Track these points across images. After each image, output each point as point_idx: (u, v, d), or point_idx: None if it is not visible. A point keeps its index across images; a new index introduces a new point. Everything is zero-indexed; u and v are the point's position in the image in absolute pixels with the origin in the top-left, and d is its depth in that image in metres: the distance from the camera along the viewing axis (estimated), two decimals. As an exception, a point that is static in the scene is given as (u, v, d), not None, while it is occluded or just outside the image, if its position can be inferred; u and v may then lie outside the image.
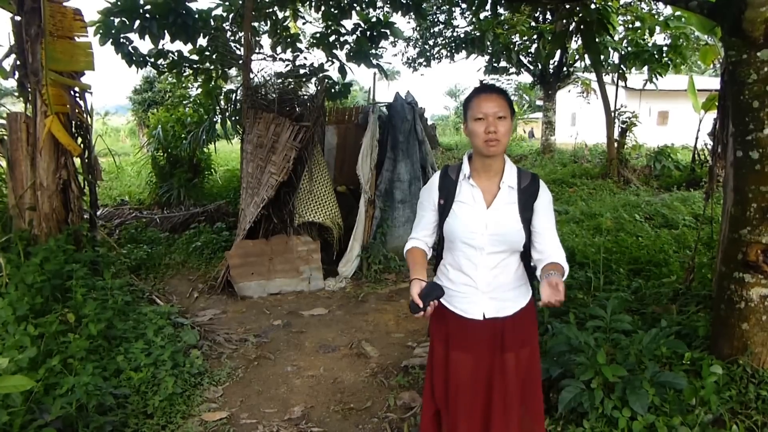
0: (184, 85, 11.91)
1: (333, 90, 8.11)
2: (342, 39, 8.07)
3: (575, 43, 15.09)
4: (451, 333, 2.05)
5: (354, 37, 7.98)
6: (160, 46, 7.17)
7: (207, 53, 7.72)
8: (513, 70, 18.27)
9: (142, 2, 6.53)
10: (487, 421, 2.01)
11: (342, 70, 8.07)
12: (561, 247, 1.99)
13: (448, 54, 17.88)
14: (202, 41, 7.46)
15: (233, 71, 9.07)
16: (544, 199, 1.99)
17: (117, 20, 6.64)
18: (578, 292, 4.36)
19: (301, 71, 7.94)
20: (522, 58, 16.95)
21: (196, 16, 6.99)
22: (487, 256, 1.95)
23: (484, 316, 1.98)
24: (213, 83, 8.36)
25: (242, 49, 7.14)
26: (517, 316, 2.02)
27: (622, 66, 12.95)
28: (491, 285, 1.98)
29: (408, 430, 2.96)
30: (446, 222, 1.99)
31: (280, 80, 6.49)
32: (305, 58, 8.27)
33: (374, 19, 7.92)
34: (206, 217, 7.81)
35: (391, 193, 6.23)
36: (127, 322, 3.78)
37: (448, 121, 39.39)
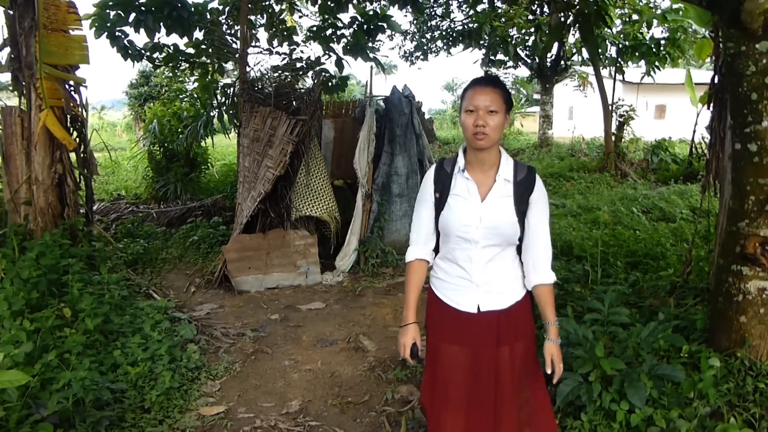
0: (180, 79, 11.86)
1: (330, 84, 8.08)
2: (339, 32, 8.04)
3: (573, 37, 15.09)
4: (445, 325, 2.05)
5: (351, 30, 7.95)
6: (155, 40, 7.12)
7: (203, 47, 7.68)
8: (510, 63, 18.24)
9: (137, -5, 6.49)
10: (480, 414, 2.00)
11: (339, 64, 8.03)
12: (549, 246, 2.01)
13: (445, 47, 17.84)
14: (198, 35, 7.42)
15: (230, 65, 9.02)
16: (540, 193, 1.97)
17: (112, 13, 6.60)
18: (576, 285, 4.36)
19: (298, 65, 7.88)
20: (519, 51, 16.92)
21: (192, 9, 6.96)
22: (482, 250, 1.94)
23: (478, 308, 1.98)
24: (209, 77, 8.32)
25: (238, 42, 7.09)
26: (512, 310, 2.01)
27: (619, 59, 12.94)
28: (486, 278, 1.97)
29: (406, 423, 2.96)
30: (441, 215, 1.99)
31: (276, 74, 6.45)
32: (302, 51, 8.23)
33: (371, 12, 7.90)
34: (203, 211, 7.79)
35: (389, 187, 6.22)
36: (123, 317, 3.77)
37: (445, 115, 39.22)
